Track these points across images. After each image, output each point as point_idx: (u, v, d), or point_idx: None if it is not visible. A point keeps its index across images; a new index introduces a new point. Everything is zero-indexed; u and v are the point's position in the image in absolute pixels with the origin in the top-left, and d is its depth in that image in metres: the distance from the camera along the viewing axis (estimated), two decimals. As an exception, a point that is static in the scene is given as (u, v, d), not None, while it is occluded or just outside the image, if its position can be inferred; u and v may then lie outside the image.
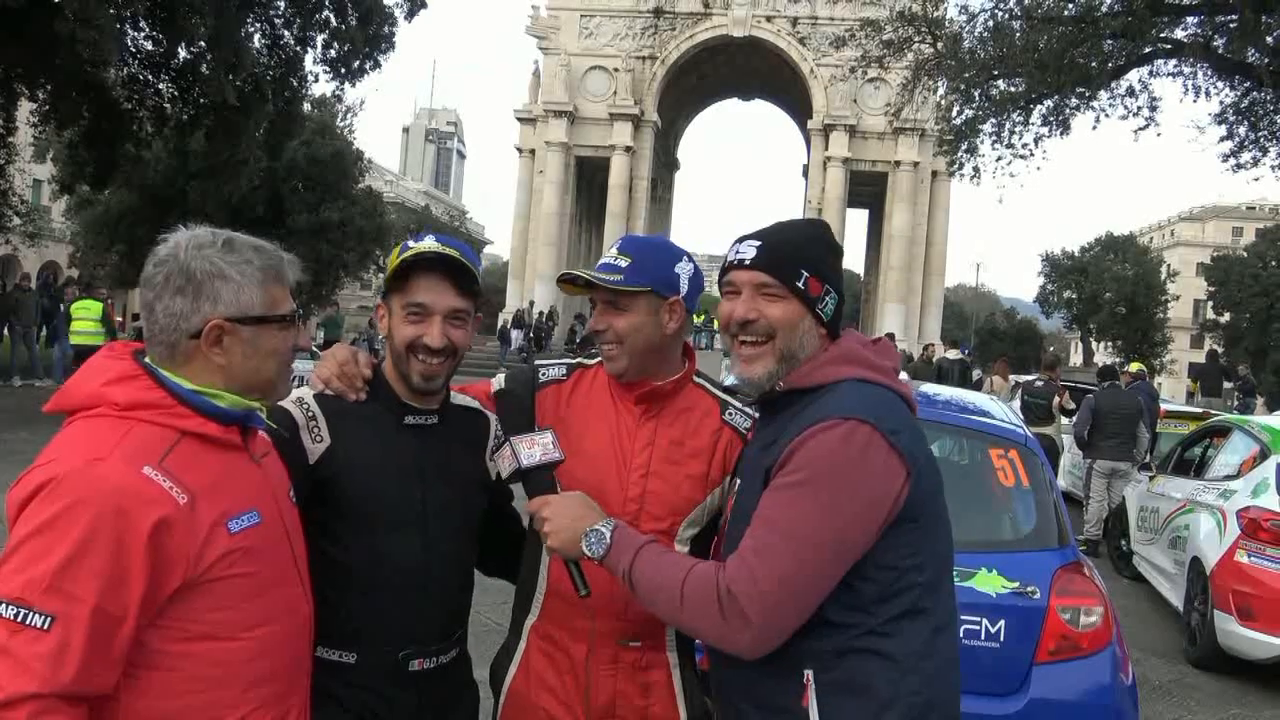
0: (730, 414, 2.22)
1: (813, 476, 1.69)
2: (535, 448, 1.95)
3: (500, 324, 38.31)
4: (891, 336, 17.57)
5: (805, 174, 50.55)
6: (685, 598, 1.71)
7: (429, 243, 2.00)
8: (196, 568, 1.55)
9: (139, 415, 1.59)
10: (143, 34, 19.23)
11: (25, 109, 20.48)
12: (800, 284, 1.85)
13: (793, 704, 1.74)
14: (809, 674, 1.73)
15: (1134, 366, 14.26)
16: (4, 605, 1.43)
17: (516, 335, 36.89)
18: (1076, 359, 66.72)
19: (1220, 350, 37.34)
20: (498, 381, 2.31)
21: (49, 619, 1.42)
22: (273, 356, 1.71)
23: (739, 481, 1.98)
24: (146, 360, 1.67)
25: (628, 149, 46.69)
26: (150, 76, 19.92)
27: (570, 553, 1.86)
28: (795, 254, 1.88)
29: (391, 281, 2.01)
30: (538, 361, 2.36)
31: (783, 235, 1.92)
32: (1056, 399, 12.82)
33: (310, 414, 2.02)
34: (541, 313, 40.26)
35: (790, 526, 1.68)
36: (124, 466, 1.51)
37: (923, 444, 1.81)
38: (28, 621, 1.41)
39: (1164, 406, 14.17)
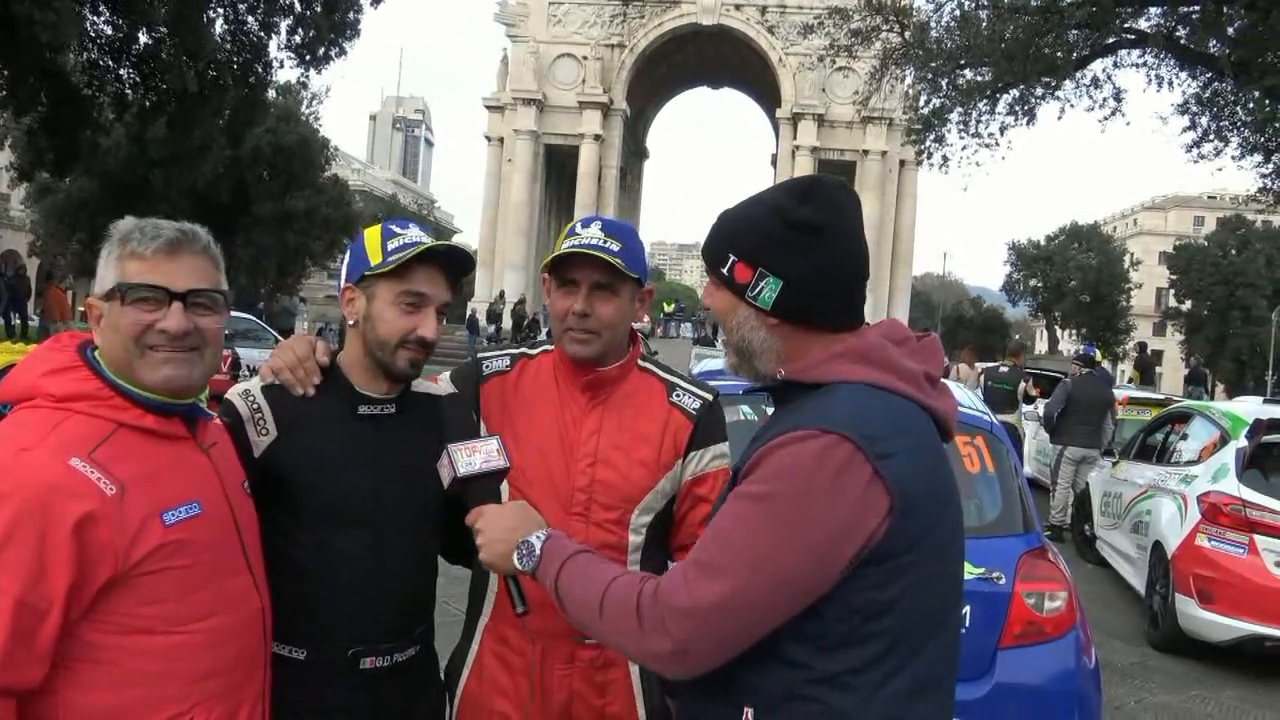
0: (678, 395, 2.16)
1: (775, 493, 1.43)
2: (476, 455, 1.85)
3: (469, 313, 38.11)
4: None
5: (774, 163, 50.72)
6: (604, 608, 1.51)
7: (418, 233, 1.96)
8: (126, 561, 1.52)
9: (75, 407, 1.56)
10: (102, 18, 18.91)
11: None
12: (725, 270, 1.59)
13: None
14: (749, 713, 1.49)
15: (1099, 355, 14.37)
16: None
17: (490, 329, 36.64)
18: (1042, 346, 67.44)
19: (1151, 347, 37.95)
20: (445, 379, 2.23)
21: None
22: (117, 333, 1.61)
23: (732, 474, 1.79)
24: (93, 353, 1.64)
25: (597, 137, 46.59)
26: (110, 62, 19.63)
27: (503, 568, 1.71)
28: (725, 235, 1.63)
29: (388, 269, 1.93)
30: (480, 354, 2.29)
31: (729, 211, 1.67)
32: (1022, 385, 12.92)
33: (255, 406, 1.96)
34: (526, 302, 39.95)
35: (737, 545, 1.44)
36: (49, 459, 1.48)
37: (929, 470, 1.51)
38: None
39: (1126, 393, 14.34)
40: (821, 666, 1.45)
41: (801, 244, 1.55)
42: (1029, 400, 13.28)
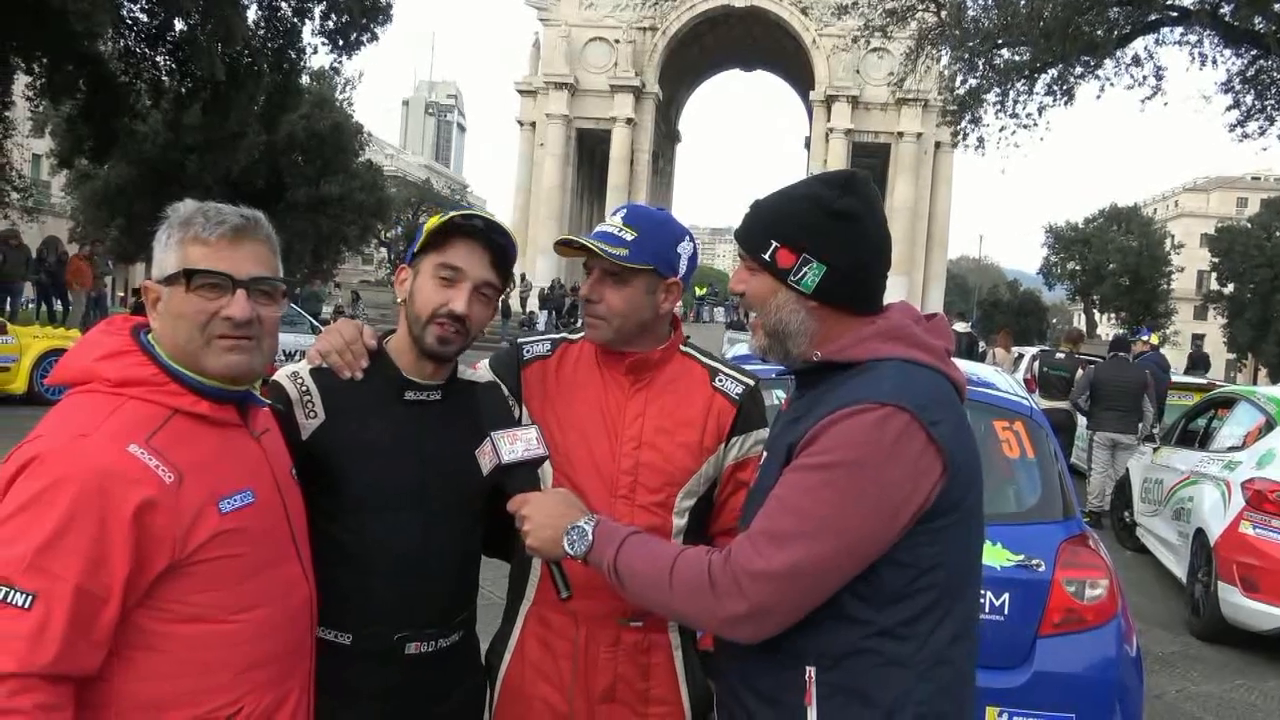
0: (720, 380, 2.17)
1: (838, 462, 1.54)
2: (518, 443, 1.87)
3: (502, 298, 38.15)
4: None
5: (808, 146, 50.36)
6: (675, 580, 1.61)
7: (478, 213, 1.98)
8: (184, 549, 1.52)
9: (130, 392, 1.55)
10: (139, 6, 19.09)
11: (22, 83, 20.35)
12: (767, 256, 1.69)
13: (791, 698, 1.62)
14: (811, 671, 1.61)
15: (1154, 339, 13.94)
16: None
17: (543, 316, 36.61)
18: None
19: (1193, 332, 37.20)
20: (484, 366, 2.23)
21: (29, 598, 1.39)
22: (181, 320, 1.60)
23: (764, 454, 1.88)
24: (147, 337, 1.64)
25: (629, 121, 46.47)
26: (146, 49, 19.81)
27: (551, 553, 1.77)
28: (766, 222, 1.73)
29: (430, 240, 1.95)
30: (520, 339, 2.30)
31: (766, 201, 1.77)
32: (1079, 372, 12.53)
33: (304, 389, 1.97)
34: (563, 285, 39.91)
35: (806, 512, 1.55)
36: (108, 444, 1.47)
37: (966, 436, 1.66)
38: (8, 600, 1.39)
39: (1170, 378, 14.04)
40: (880, 620, 1.59)
41: (843, 232, 1.68)
42: None
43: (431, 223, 1.97)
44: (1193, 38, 14.93)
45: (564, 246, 2.10)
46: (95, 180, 29.85)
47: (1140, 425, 10.55)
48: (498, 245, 1.98)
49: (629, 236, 2.03)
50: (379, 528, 1.92)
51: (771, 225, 1.71)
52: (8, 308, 18.14)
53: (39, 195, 33.02)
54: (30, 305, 22.64)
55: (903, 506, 1.55)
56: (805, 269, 1.67)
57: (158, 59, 19.97)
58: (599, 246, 2.00)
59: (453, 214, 1.97)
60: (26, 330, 13.82)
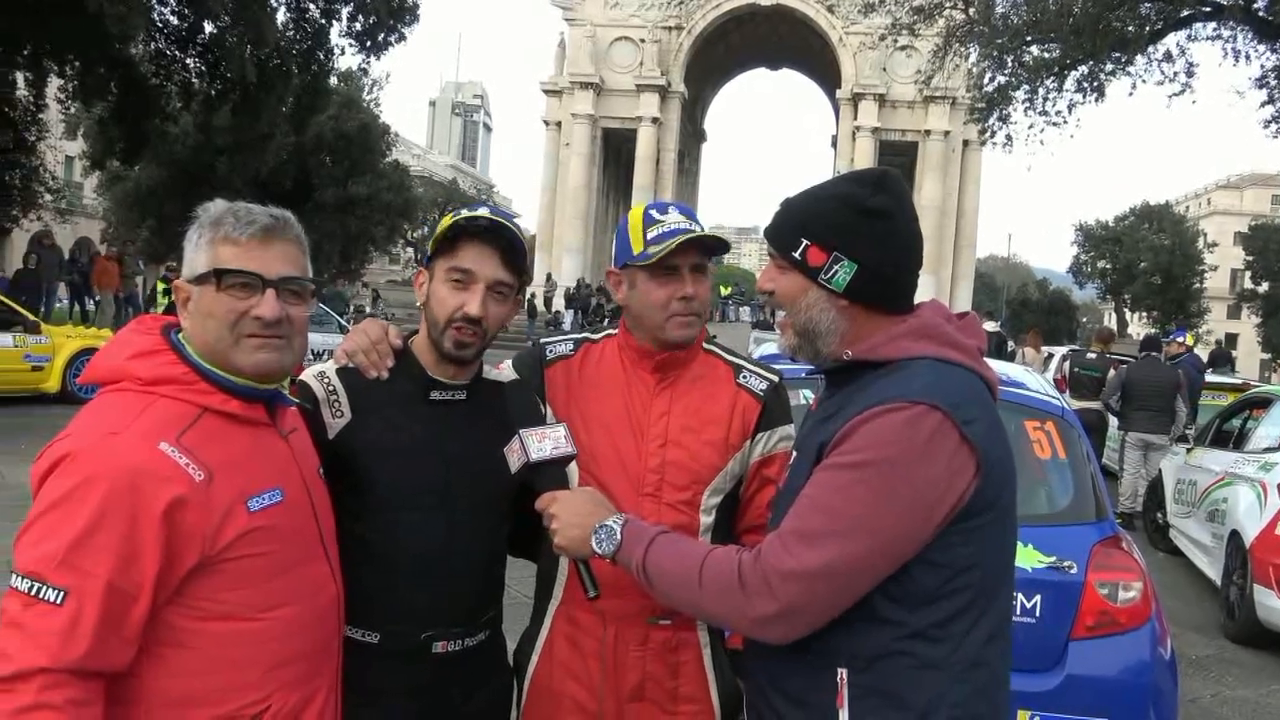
0: (744, 377, 2.17)
1: (870, 461, 1.52)
2: (546, 441, 1.86)
3: (528, 297, 38.32)
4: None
5: (834, 144, 50.12)
6: (704, 580, 1.59)
7: (483, 211, 1.96)
8: (213, 546, 1.53)
9: (161, 390, 1.56)
10: (168, 8, 19.28)
11: (54, 85, 20.62)
12: (797, 254, 1.67)
13: (823, 700, 1.60)
14: (843, 673, 1.58)
15: (1190, 339, 13.65)
16: (19, 579, 1.42)
17: (569, 315, 36.66)
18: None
19: (1226, 331, 36.58)
20: (507, 366, 2.24)
21: (61, 594, 1.40)
22: (210, 319, 1.61)
23: (794, 454, 1.85)
24: (178, 335, 1.65)
25: (654, 120, 46.43)
26: (177, 52, 20.01)
27: (579, 552, 1.76)
28: (796, 220, 1.71)
29: (439, 244, 1.95)
30: (543, 339, 2.30)
31: (796, 199, 1.75)
32: (1111, 372, 12.36)
33: (331, 388, 1.98)
34: (589, 285, 39.99)
35: (838, 511, 1.52)
36: (139, 442, 1.48)
37: (1000, 435, 1.63)
38: (41, 595, 1.40)
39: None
40: (913, 622, 1.56)
41: (874, 230, 1.66)
42: None
43: (443, 224, 1.97)
44: (1226, 33, 14.73)
45: (691, 247, 2.03)
46: (126, 182, 30.21)
47: (1173, 426, 10.42)
48: (507, 242, 1.96)
49: (697, 229, 2.05)
50: (405, 527, 1.93)
51: (802, 223, 1.69)
52: (42, 308, 18.37)
53: (72, 197, 33.46)
54: (62, 305, 22.93)
55: (936, 506, 1.53)
56: (836, 267, 1.65)
57: (188, 61, 20.16)
58: (717, 235, 2.06)
59: (460, 215, 1.96)
60: (60, 330, 14.00)
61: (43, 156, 23.42)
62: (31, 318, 13.17)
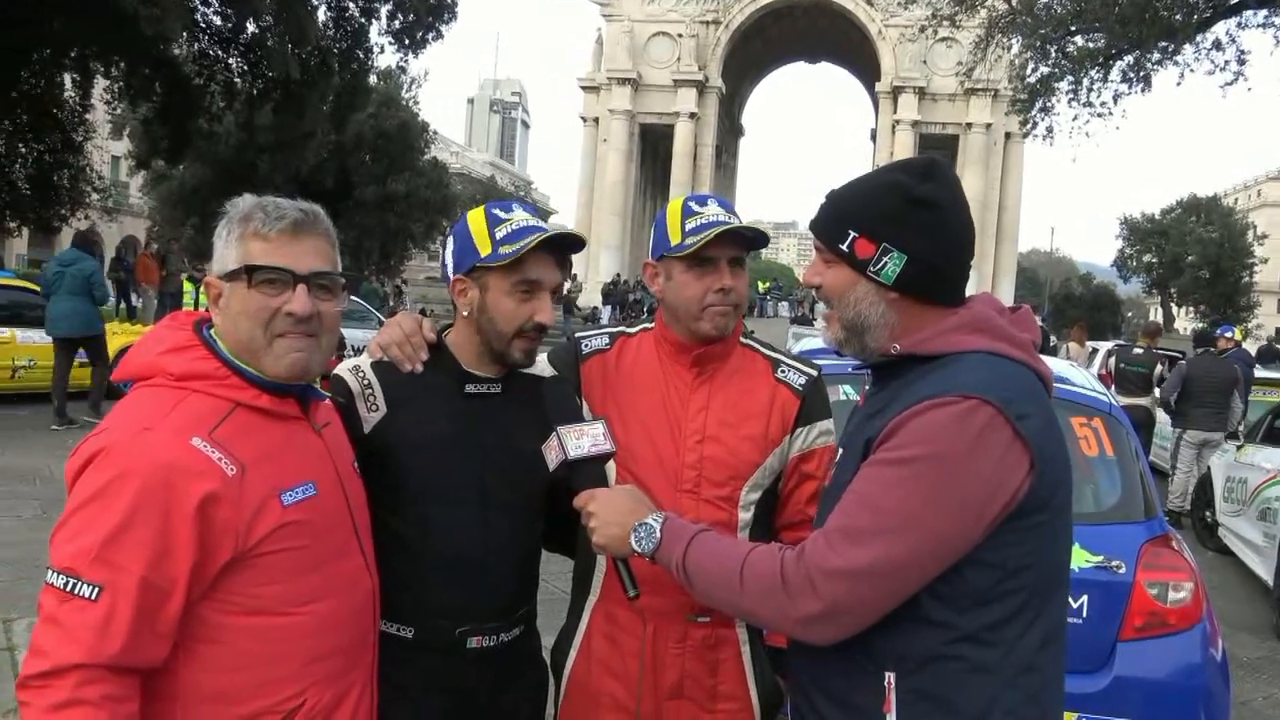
0: (783, 371, 2.14)
1: (919, 456, 1.46)
2: (584, 438, 1.84)
3: (565, 293, 38.37)
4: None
5: (874, 138, 49.77)
6: (745, 579, 1.55)
7: (524, 215, 1.93)
8: (247, 541, 1.52)
9: (193, 385, 1.56)
10: (211, 9, 19.53)
11: (99, 86, 20.96)
12: (845, 246, 1.62)
13: (870, 704, 1.55)
14: (890, 678, 1.53)
15: (1238, 334, 13.34)
16: (54, 574, 1.43)
17: (606, 311, 36.70)
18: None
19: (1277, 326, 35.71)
20: (542, 360, 2.20)
21: (96, 589, 1.41)
22: (242, 317, 1.60)
23: (840, 451, 1.80)
24: (209, 331, 1.65)
25: (692, 116, 46.37)
26: (219, 52, 20.25)
27: (618, 550, 1.73)
28: (843, 211, 1.66)
29: (505, 262, 1.89)
30: (578, 334, 2.27)
31: (843, 190, 1.70)
32: (1158, 368, 11.89)
33: (366, 382, 1.97)
34: (626, 281, 40.04)
35: (886, 508, 1.47)
36: (171, 438, 1.48)
37: (1054, 431, 1.57)
38: (76, 591, 1.41)
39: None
40: (964, 624, 1.50)
41: (924, 220, 1.61)
42: (1162, 384, 12.41)
43: (476, 222, 1.93)
44: (1278, 20, 14.40)
45: (729, 239, 2.00)
46: (171, 181, 30.71)
47: (1230, 422, 10.19)
48: (557, 245, 1.95)
49: (736, 222, 2.02)
50: (440, 521, 1.92)
51: (850, 214, 1.64)
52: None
53: (118, 196, 34.04)
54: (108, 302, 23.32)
55: (987, 504, 1.47)
56: (885, 259, 1.60)
57: (230, 61, 20.41)
58: (755, 227, 2.04)
59: (530, 239, 1.88)
60: (107, 326, 14.20)
61: (89, 156, 23.82)
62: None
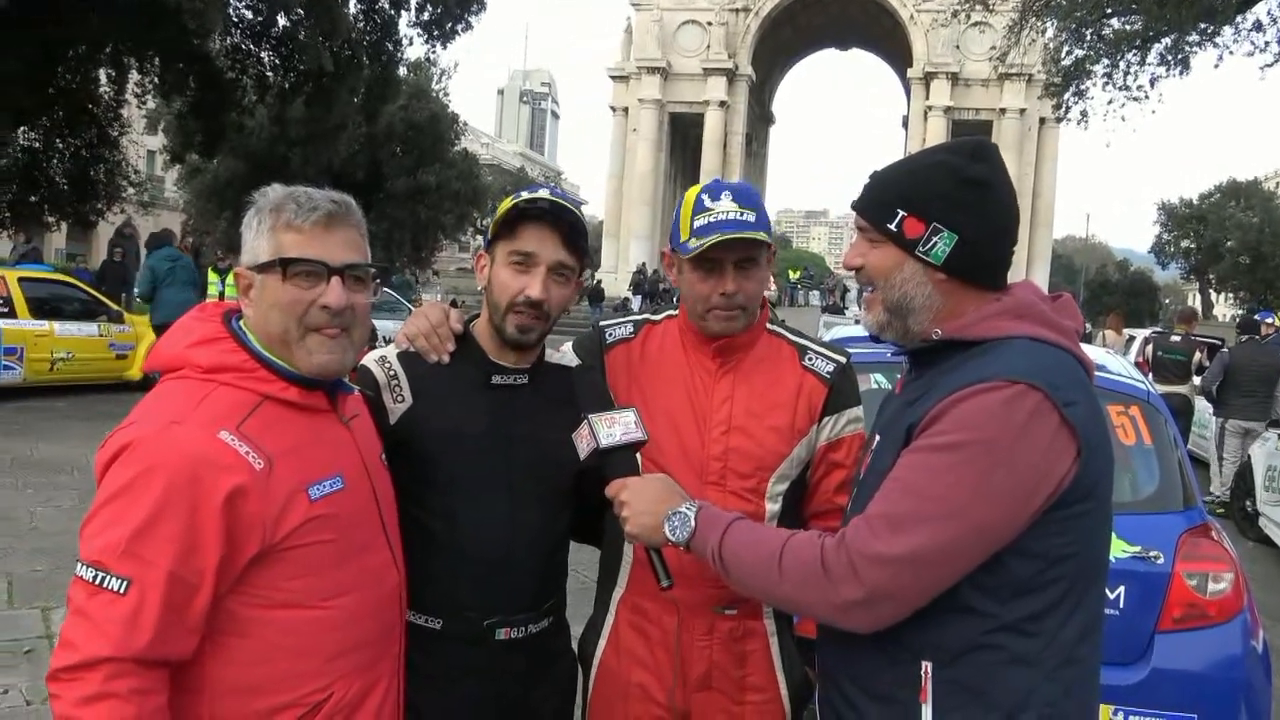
0: (810, 359, 2.09)
1: (964, 442, 1.44)
2: (615, 427, 1.81)
3: (595, 282, 38.39)
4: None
5: (905, 125, 49.34)
6: (784, 566, 1.52)
7: (543, 193, 1.93)
8: (274, 534, 1.52)
9: (221, 378, 1.56)
10: (244, 3, 19.68)
11: (132, 81, 21.17)
12: (894, 225, 1.59)
13: (905, 695, 1.52)
14: (927, 667, 1.50)
15: (1278, 320, 13.05)
16: (84, 567, 1.43)
17: (636, 301, 36.63)
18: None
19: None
20: (567, 349, 2.19)
21: (125, 583, 1.41)
22: (275, 310, 1.60)
23: (876, 438, 1.76)
24: (238, 323, 1.65)
25: (722, 104, 46.17)
26: (252, 45, 20.41)
27: (652, 540, 1.70)
28: (891, 191, 1.63)
29: (499, 228, 1.92)
30: (603, 322, 2.25)
31: (890, 169, 1.68)
32: (1197, 355, 11.65)
33: (392, 373, 1.97)
34: (656, 271, 40.01)
35: (929, 495, 1.44)
36: (199, 431, 1.48)
37: (1099, 419, 1.54)
38: (105, 584, 1.41)
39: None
40: (1004, 614, 1.48)
41: (975, 201, 1.59)
42: (1200, 372, 12.20)
43: (503, 206, 1.93)
44: (1321, 0, 14.09)
45: (719, 249, 1.94)
46: (205, 174, 31.01)
47: (1275, 410, 10.01)
48: (568, 224, 1.92)
49: (750, 218, 1.95)
50: (467, 513, 1.91)
51: (898, 194, 1.62)
52: (123, 297, 18.93)
53: (153, 190, 34.43)
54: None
55: (1034, 491, 1.44)
56: (935, 239, 1.58)
57: (262, 55, 20.56)
58: (750, 234, 1.93)
59: (520, 197, 1.92)
60: (142, 319, 14.36)
61: (125, 151, 24.09)
62: (115, 307, 13.57)
